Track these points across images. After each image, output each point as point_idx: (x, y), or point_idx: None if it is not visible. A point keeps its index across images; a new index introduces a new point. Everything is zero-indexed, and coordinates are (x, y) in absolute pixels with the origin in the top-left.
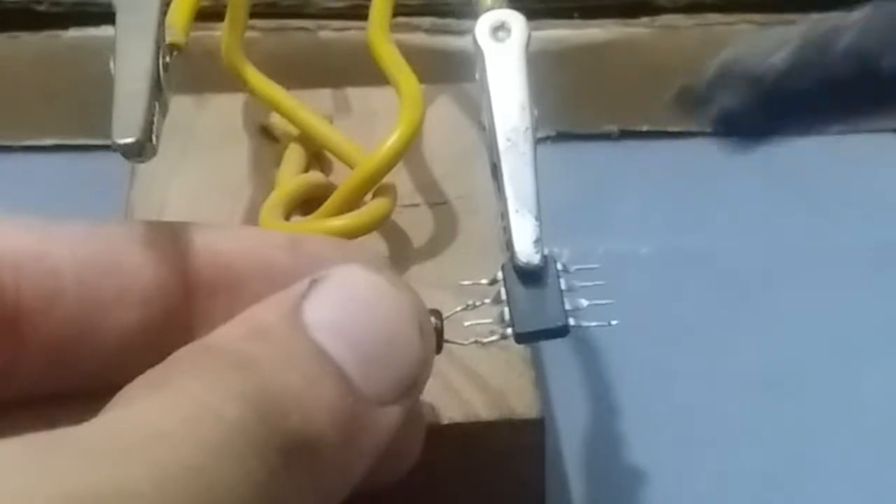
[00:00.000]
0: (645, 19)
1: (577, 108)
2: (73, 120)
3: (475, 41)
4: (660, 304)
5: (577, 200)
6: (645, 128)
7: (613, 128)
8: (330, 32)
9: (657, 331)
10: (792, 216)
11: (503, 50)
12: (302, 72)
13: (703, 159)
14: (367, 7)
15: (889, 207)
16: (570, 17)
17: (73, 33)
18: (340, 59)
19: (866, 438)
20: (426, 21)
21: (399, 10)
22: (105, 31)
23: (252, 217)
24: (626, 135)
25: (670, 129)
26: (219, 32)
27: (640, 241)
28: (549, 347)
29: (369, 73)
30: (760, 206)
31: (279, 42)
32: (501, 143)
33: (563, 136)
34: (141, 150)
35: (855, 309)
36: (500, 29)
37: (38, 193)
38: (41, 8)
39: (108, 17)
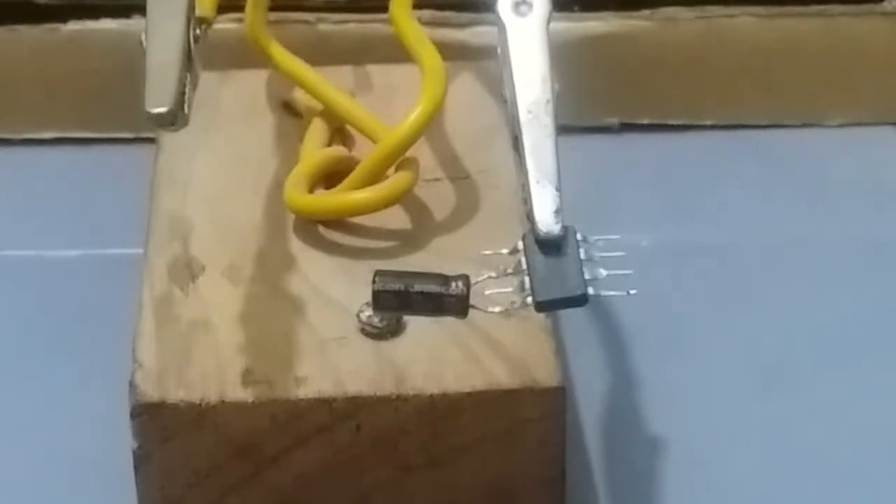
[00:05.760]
0: (645, 12)
1: (577, 101)
2: (72, 113)
3: (497, 15)
4: (660, 296)
5: (578, 193)
6: (645, 120)
7: (614, 120)
8: (329, 25)
9: (657, 323)
10: (793, 209)
11: (525, 24)
12: None
13: (704, 152)
14: (366, 0)
15: (890, 201)
16: (571, 9)
17: (73, 26)
18: (340, 51)
19: (866, 428)
20: (426, 14)
21: None
22: (104, 24)
23: (276, 191)
24: (626, 127)
25: (671, 121)
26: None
27: (641, 234)
28: (568, 319)
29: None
30: (761, 198)
31: (278, 34)
32: (523, 116)
33: (563, 129)
34: (173, 119)
35: (856, 302)
36: (522, 3)
37: (38, 186)
38: (40, 1)
39: (106, 10)
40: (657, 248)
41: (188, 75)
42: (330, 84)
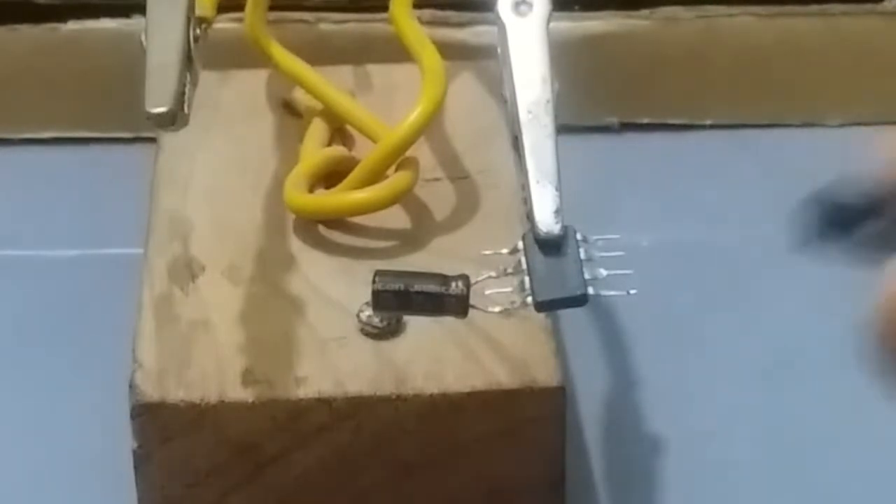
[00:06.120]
0: (645, 11)
1: (577, 101)
2: (71, 112)
3: (497, 15)
4: (660, 296)
5: (578, 193)
6: (646, 120)
7: (614, 120)
8: (329, 25)
9: (657, 323)
10: (793, 209)
11: (525, 24)
12: None
13: (704, 152)
14: (366, 0)
15: None
16: (571, 9)
17: (72, 26)
18: (340, 51)
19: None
20: (426, 13)
21: None
22: (104, 23)
23: (276, 191)
24: (626, 127)
25: (671, 121)
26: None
27: (641, 234)
28: (568, 319)
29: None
30: (760, 198)
31: (278, 34)
32: (523, 116)
33: (563, 129)
34: (173, 119)
35: (855, 302)
36: (522, 3)
37: (38, 186)
38: (40, 1)
39: (106, 9)
40: (657, 248)
41: (188, 75)
42: (330, 84)
